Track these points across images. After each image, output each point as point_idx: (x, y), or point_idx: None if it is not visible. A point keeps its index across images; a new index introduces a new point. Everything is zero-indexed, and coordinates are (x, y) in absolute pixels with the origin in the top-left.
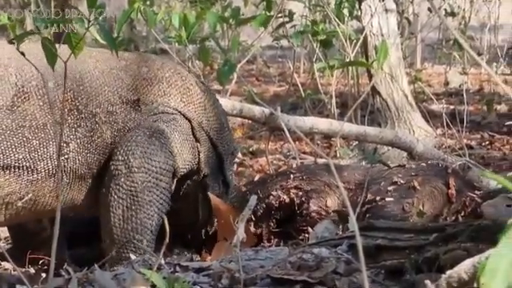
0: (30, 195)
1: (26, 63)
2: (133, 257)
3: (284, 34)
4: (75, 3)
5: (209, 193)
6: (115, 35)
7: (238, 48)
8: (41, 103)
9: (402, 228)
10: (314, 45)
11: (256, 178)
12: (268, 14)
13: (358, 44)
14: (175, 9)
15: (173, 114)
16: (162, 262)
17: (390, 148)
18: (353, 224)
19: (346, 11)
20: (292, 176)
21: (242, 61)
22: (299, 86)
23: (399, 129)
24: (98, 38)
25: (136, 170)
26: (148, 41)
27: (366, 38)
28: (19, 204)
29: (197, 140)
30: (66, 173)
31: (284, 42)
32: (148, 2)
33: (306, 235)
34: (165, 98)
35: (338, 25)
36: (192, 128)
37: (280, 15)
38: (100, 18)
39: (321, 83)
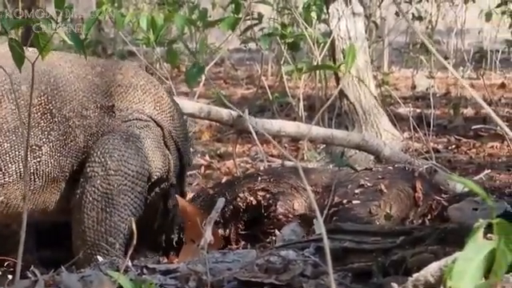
0: (1, 198)
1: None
2: (100, 259)
3: (252, 36)
4: (43, 4)
5: (177, 195)
6: (83, 37)
7: (206, 50)
8: (12, 107)
9: (369, 231)
10: (282, 47)
11: (223, 181)
12: (236, 16)
13: (326, 47)
14: (143, 11)
15: (146, 121)
16: (129, 264)
17: (357, 151)
18: (320, 227)
19: (313, 14)
20: (259, 178)
21: (210, 63)
22: (267, 88)
23: (366, 132)
24: (66, 39)
25: (113, 172)
26: (116, 43)
27: (333, 42)
28: None
29: (167, 148)
30: (39, 176)
31: (252, 45)
32: (116, 4)
33: (274, 238)
34: (139, 104)
35: (306, 28)
36: (163, 136)
37: (248, 18)
38: (67, 20)
39: (288, 86)
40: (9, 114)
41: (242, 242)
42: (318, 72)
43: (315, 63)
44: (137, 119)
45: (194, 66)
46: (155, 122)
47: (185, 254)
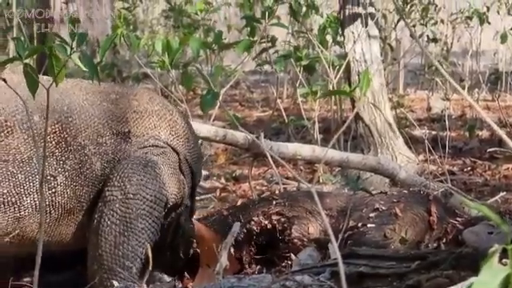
0: (16, 231)
1: (11, 96)
2: (115, 283)
3: (267, 59)
4: (57, 29)
5: (193, 219)
6: (98, 60)
7: (221, 73)
8: (25, 136)
9: (384, 255)
10: (297, 70)
11: (238, 203)
12: (251, 39)
13: (341, 70)
14: (158, 34)
15: (163, 147)
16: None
17: (372, 174)
18: (335, 251)
19: (329, 37)
20: (274, 202)
21: (226, 86)
22: (282, 111)
23: (382, 155)
24: (80, 64)
25: (132, 196)
26: (131, 65)
27: (349, 64)
28: (6, 239)
29: (182, 173)
30: (54, 207)
31: (267, 68)
32: (131, 27)
33: (289, 262)
34: (155, 130)
35: (321, 50)
36: (179, 161)
37: (263, 40)
38: (82, 45)
39: (304, 109)
40: (22, 144)
41: (258, 267)
42: (333, 95)
43: (330, 86)
44: (153, 146)
45: (208, 92)
46: (171, 147)
47: (200, 279)
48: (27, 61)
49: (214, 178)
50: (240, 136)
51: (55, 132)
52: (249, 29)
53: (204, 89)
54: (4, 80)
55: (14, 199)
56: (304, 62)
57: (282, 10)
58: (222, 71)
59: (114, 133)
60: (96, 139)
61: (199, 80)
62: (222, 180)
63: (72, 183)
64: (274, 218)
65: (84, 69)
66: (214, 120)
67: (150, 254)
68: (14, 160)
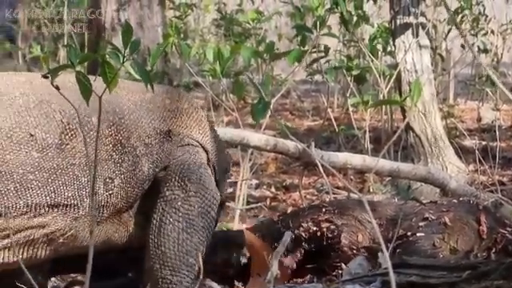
0: (72, 231)
1: (71, 99)
2: (180, 280)
3: (318, 68)
4: (109, 36)
5: (243, 228)
6: (149, 68)
7: (272, 82)
8: (87, 139)
9: (434, 265)
10: (348, 80)
11: (289, 211)
12: (302, 48)
13: (392, 79)
14: (209, 42)
15: (196, 146)
16: None
17: (422, 184)
18: (385, 260)
19: (379, 47)
20: (324, 209)
21: (277, 95)
22: (333, 120)
23: (432, 165)
24: (133, 72)
25: (193, 193)
26: (182, 74)
27: (399, 74)
28: (60, 240)
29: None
30: (107, 208)
31: (318, 77)
32: (182, 36)
33: (340, 271)
34: (187, 130)
35: (372, 60)
36: (208, 160)
37: (314, 50)
38: (134, 53)
39: (354, 118)
40: (84, 148)
41: (308, 276)
42: (384, 105)
43: (381, 95)
44: (188, 144)
45: (259, 101)
46: (202, 146)
47: None
48: (79, 68)
49: (264, 186)
50: (291, 145)
51: (111, 135)
52: (300, 38)
53: (255, 98)
54: (57, 88)
55: (75, 201)
56: (355, 72)
57: (333, 20)
58: (273, 80)
59: (158, 132)
60: (144, 140)
61: (250, 89)
62: (272, 189)
63: (126, 185)
64: (323, 225)
65: (137, 76)
66: (264, 129)
67: (201, 262)
68: (80, 164)
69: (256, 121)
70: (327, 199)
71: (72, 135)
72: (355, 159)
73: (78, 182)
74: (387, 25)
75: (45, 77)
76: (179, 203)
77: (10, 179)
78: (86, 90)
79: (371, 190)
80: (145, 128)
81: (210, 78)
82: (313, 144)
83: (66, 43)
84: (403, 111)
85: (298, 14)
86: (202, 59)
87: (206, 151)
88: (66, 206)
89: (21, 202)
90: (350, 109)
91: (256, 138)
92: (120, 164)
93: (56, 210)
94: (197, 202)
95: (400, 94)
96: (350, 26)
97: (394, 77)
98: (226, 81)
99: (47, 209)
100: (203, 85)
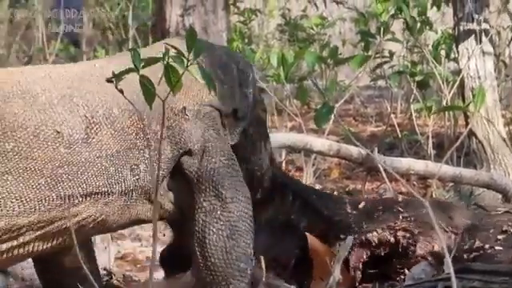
0: (102, 216)
1: (89, 91)
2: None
3: (381, 74)
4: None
5: (307, 233)
6: None
7: (336, 88)
8: (112, 131)
9: (497, 271)
10: (412, 85)
11: (361, 206)
12: (366, 54)
13: (455, 86)
14: (273, 48)
15: (210, 109)
16: None
17: (485, 189)
18: (448, 266)
19: (443, 53)
20: (400, 216)
21: (340, 101)
22: (396, 126)
23: (495, 171)
24: (197, 77)
25: (230, 200)
26: None
27: (462, 80)
28: (91, 225)
29: (223, 125)
30: (136, 191)
31: (381, 82)
32: (246, 41)
33: (402, 277)
34: (197, 98)
35: (436, 66)
36: (221, 117)
37: (378, 55)
38: (199, 58)
39: (417, 124)
40: (110, 139)
41: (372, 281)
42: (447, 111)
43: (444, 102)
44: (204, 114)
45: (323, 106)
46: (213, 106)
47: None
48: (143, 72)
49: (327, 192)
50: (354, 150)
51: (133, 124)
52: (363, 44)
53: (318, 103)
54: (121, 91)
55: (106, 189)
56: (418, 78)
57: (397, 26)
58: (337, 86)
59: (175, 113)
60: (165, 123)
61: (313, 94)
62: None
63: (151, 169)
64: (400, 234)
65: (201, 81)
66: (327, 134)
67: (264, 265)
68: (107, 155)
69: (319, 126)
70: (400, 198)
71: (97, 129)
72: (418, 165)
73: (107, 172)
74: (451, 31)
75: (109, 81)
76: (218, 212)
77: (40, 175)
78: (149, 94)
79: (434, 196)
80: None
81: (274, 83)
82: (376, 149)
83: (130, 47)
84: (466, 117)
85: (362, 19)
86: (266, 64)
87: (218, 109)
88: (97, 194)
89: (53, 195)
90: (413, 114)
91: (319, 143)
92: (143, 150)
93: (88, 198)
94: (235, 207)
95: (463, 100)
96: (414, 31)
97: (458, 83)
98: (290, 86)
99: (80, 199)
100: (267, 90)
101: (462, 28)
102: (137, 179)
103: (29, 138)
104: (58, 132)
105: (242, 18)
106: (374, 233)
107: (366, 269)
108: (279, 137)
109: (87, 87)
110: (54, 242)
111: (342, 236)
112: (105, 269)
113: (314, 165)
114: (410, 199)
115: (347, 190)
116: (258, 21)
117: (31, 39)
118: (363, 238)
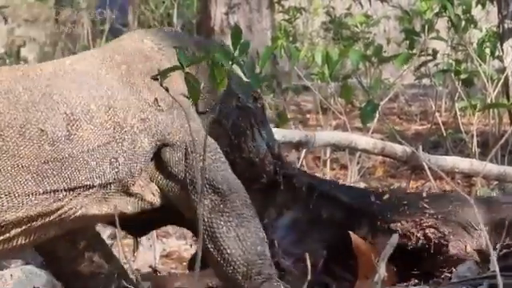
0: (82, 209)
1: (66, 88)
2: (261, 270)
3: (426, 72)
4: (219, 37)
5: (350, 232)
6: (257, 71)
7: (380, 86)
8: (91, 126)
9: None
10: (456, 84)
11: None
12: (410, 52)
13: (500, 84)
14: (318, 46)
15: (183, 98)
16: None
17: None
18: (494, 264)
19: (487, 51)
20: (426, 213)
21: (384, 99)
22: (441, 124)
23: None
24: (242, 75)
25: (228, 191)
26: (290, 77)
27: (507, 78)
28: (71, 218)
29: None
30: (114, 184)
31: (426, 81)
32: (291, 39)
33: (448, 274)
34: (169, 86)
35: (480, 64)
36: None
37: (422, 54)
38: (244, 55)
39: (462, 122)
40: (90, 134)
41: (416, 279)
42: (491, 109)
43: (489, 100)
44: (174, 105)
45: (368, 104)
46: (183, 94)
47: None
48: (188, 70)
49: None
50: (398, 148)
51: (110, 118)
52: (408, 42)
53: (362, 101)
54: (166, 89)
55: (88, 183)
56: (463, 76)
57: (442, 24)
58: (381, 84)
59: (150, 104)
60: (140, 115)
61: (357, 93)
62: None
63: (129, 162)
64: (429, 231)
65: (245, 79)
66: (372, 132)
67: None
68: (88, 150)
69: (365, 123)
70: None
71: (77, 125)
72: (463, 163)
73: (89, 166)
74: (495, 29)
75: (155, 79)
76: (221, 206)
77: (27, 171)
78: (194, 91)
79: (478, 194)
80: (136, 103)
81: (319, 81)
82: (420, 147)
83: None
84: (511, 115)
85: (407, 17)
86: (310, 62)
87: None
88: (80, 188)
89: (40, 190)
90: (458, 113)
91: (364, 141)
92: (121, 143)
93: (71, 192)
94: (235, 196)
95: (508, 98)
96: (459, 30)
97: (502, 81)
98: (334, 84)
99: (64, 193)
100: (311, 88)
101: (506, 26)
102: (116, 172)
103: (15, 136)
104: (42, 130)
105: (286, 16)
106: (398, 224)
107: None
108: (324, 135)
109: (63, 84)
110: (36, 236)
111: (364, 223)
112: (150, 266)
113: (358, 163)
114: (435, 195)
115: (391, 188)
116: (302, 19)
117: (76, 37)
118: (386, 226)
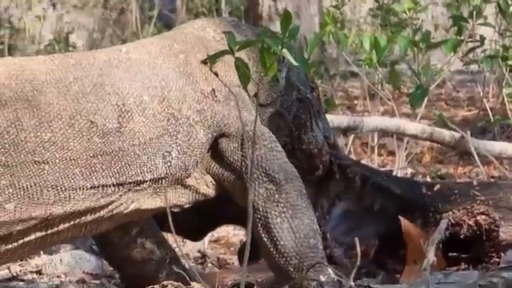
0: (134, 204)
1: (119, 78)
2: (322, 278)
3: (474, 58)
4: (267, 24)
5: (400, 217)
6: (306, 57)
7: (429, 72)
8: (143, 118)
9: None
10: (504, 70)
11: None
12: (458, 38)
13: None
14: (366, 32)
15: (239, 89)
16: (352, 284)
17: None
18: None
19: None
20: (477, 200)
21: (432, 85)
22: (488, 110)
23: None
24: (291, 59)
25: (284, 181)
26: (338, 63)
27: None
28: (123, 214)
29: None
30: (166, 178)
31: (473, 67)
32: (339, 25)
33: (496, 260)
34: (225, 77)
35: None
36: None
37: (470, 40)
38: (293, 40)
39: (510, 108)
40: (142, 127)
41: (464, 264)
42: None
43: None
44: (231, 97)
45: (417, 88)
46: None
47: (407, 275)
48: (238, 54)
49: (420, 176)
50: (446, 134)
51: (164, 110)
52: (456, 28)
53: (410, 87)
54: (216, 74)
55: (138, 178)
56: (510, 62)
57: (490, 10)
58: (429, 70)
59: (206, 95)
60: (196, 107)
61: (405, 79)
62: (428, 178)
63: (183, 155)
64: (481, 218)
65: (295, 63)
66: (420, 118)
67: (359, 248)
68: (139, 143)
69: (414, 107)
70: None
71: (129, 117)
72: (511, 148)
73: (140, 161)
74: None
75: (204, 62)
76: (276, 196)
77: (75, 164)
78: (244, 76)
79: None
80: (192, 95)
81: (366, 67)
82: (469, 133)
83: None
84: None
85: (455, 4)
86: (358, 48)
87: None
88: (130, 183)
89: (88, 185)
90: (506, 99)
91: (412, 126)
92: (176, 136)
93: (121, 188)
94: (291, 187)
95: None
96: (507, 15)
97: None
98: (382, 70)
99: (113, 188)
100: (360, 74)
101: None
102: (168, 166)
103: (64, 128)
104: (92, 122)
105: (334, 3)
106: (450, 213)
107: (455, 251)
108: (372, 120)
109: (116, 74)
110: (87, 231)
111: (416, 215)
112: (199, 251)
113: (406, 149)
114: (485, 183)
115: (439, 173)
116: (350, 5)
117: (125, 23)
118: (438, 217)
